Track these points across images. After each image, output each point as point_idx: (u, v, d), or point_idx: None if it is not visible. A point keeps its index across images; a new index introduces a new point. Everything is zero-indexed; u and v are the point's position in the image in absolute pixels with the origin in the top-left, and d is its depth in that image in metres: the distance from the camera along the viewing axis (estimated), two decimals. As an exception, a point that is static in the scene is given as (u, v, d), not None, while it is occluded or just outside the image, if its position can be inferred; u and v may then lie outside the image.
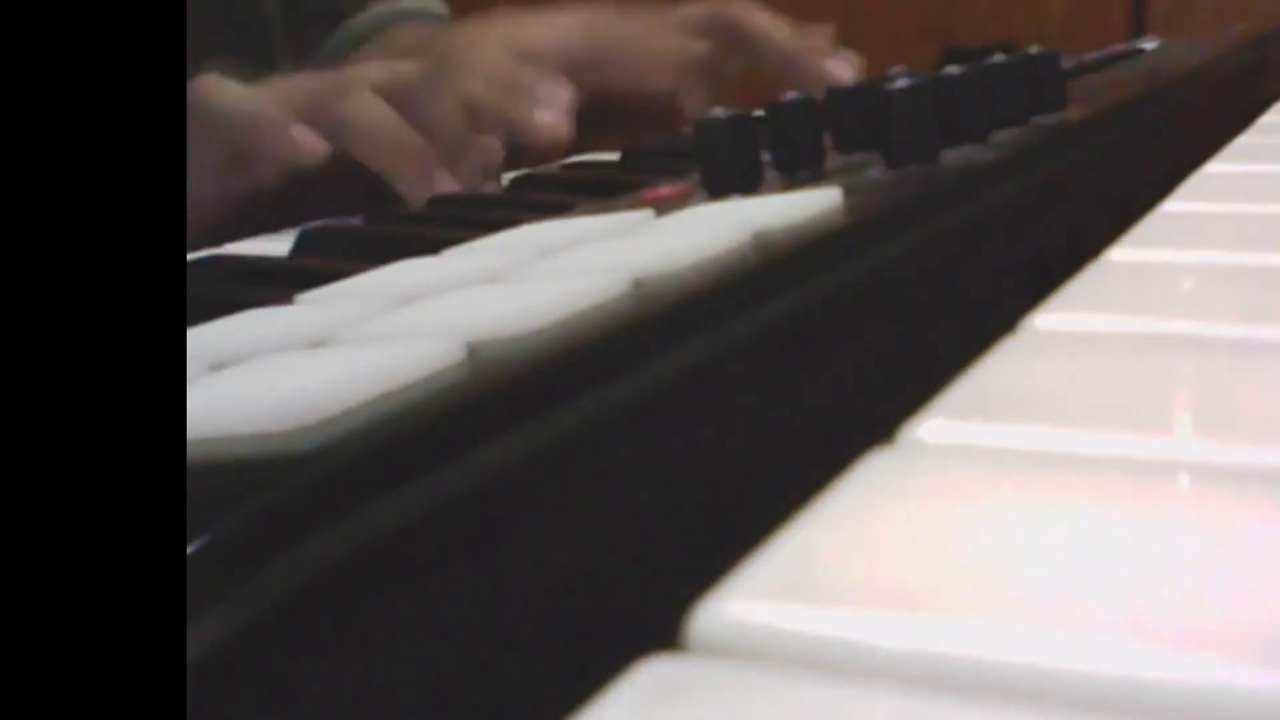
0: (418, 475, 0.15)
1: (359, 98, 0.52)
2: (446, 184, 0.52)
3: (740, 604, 0.12)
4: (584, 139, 0.61)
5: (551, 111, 0.55)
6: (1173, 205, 0.31)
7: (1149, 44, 0.82)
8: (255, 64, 0.55)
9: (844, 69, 0.72)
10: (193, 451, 0.15)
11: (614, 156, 0.55)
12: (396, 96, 0.53)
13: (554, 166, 0.54)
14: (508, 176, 0.53)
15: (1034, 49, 0.44)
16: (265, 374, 0.18)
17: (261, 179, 0.52)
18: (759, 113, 0.36)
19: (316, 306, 0.24)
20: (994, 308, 0.24)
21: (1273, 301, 0.22)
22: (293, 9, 0.77)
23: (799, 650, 0.12)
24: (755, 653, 0.12)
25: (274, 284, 0.28)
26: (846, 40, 0.77)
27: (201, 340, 0.21)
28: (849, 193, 0.28)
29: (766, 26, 0.74)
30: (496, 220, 0.34)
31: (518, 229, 0.30)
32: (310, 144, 0.51)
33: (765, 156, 0.34)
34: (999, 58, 0.40)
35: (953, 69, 0.37)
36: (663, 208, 0.31)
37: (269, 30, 0.75)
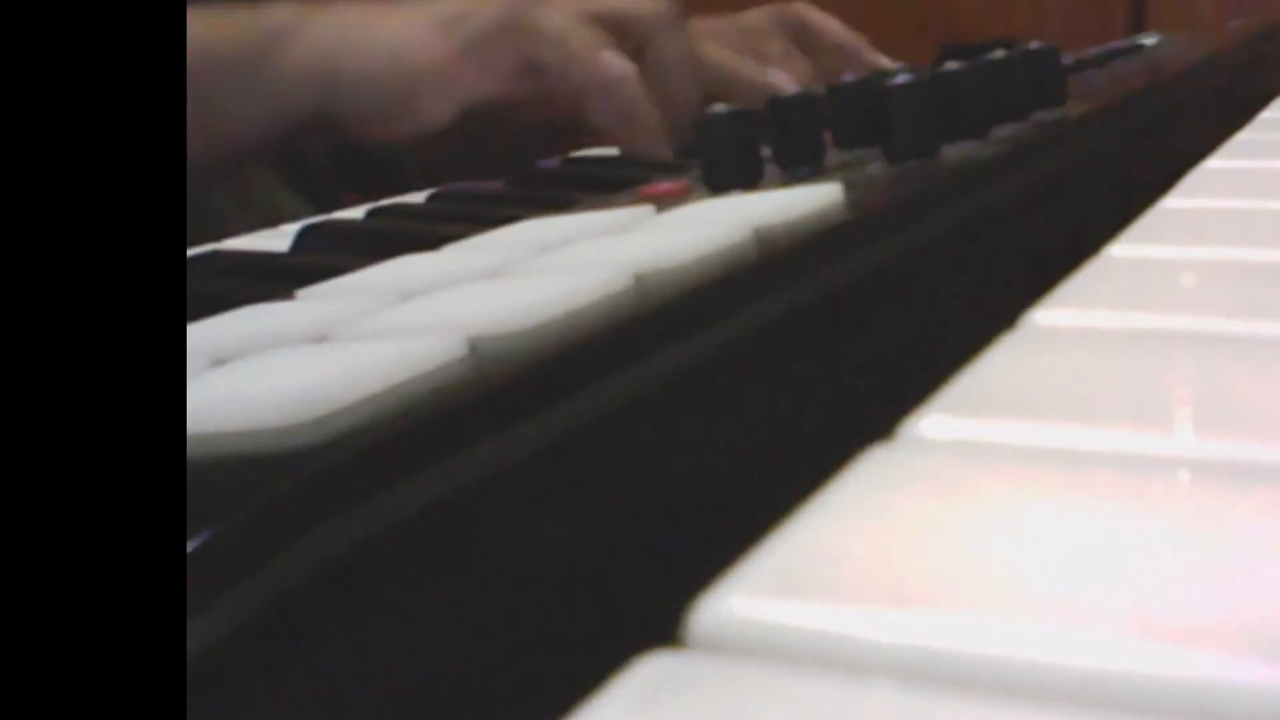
0: (419, 471, 0.15)
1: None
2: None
3: (740, 599, 0.12)
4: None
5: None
6: (1173, 201, 0.31)
7: (1149, 39, 0.82)
8: None
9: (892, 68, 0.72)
10: (193, 447, 0.15)
11: (614, 152, 0.55)
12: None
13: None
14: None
15: (1034, 44, 0.44)
16: (266, 370, 0.18)
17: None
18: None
19: (317, 302, 0.24)
20: (994, 303, 0.24)
21: (1273, 297, 0.22)
22: None
23: (799, 646, 0.12)
24: (755, 648, 0.12)
25: (275, 279, 0.28)
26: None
27: (202, 336, 0.21)
28: (849, 189, 0.28)
29: (831, 24, 0.75)
30: (497, 216, 0.34)
31: (518, 225, 0.30)
32: (620, 68, 0.48)
33: (765, 152, 0.34)
34: (999, 53, 0.40)
35: (953, 65, 0.37)
36: (663, 204, 0.31)
37: None
